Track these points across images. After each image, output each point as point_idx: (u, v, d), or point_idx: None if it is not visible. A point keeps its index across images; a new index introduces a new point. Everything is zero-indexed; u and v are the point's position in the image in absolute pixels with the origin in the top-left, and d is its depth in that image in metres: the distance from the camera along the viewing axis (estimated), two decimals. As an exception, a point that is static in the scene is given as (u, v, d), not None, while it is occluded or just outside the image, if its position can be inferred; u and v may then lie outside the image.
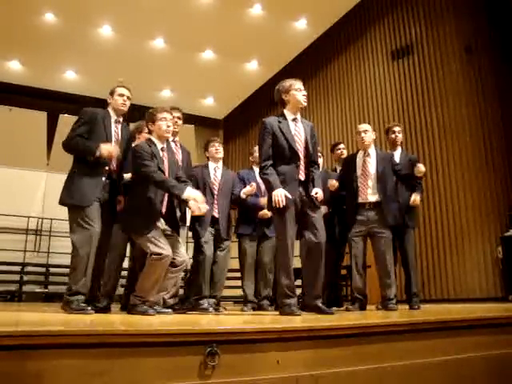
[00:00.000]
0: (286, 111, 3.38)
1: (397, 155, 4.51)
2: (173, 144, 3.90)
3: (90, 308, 3.03)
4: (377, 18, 9.79)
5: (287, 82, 3.37)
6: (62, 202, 3.21)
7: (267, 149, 3.25)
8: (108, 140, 3.28)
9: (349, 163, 4.31)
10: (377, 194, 4.04)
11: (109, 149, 3.17)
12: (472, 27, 8.39)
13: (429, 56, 8.78)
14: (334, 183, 4.33)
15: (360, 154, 4.24)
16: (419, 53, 8.94)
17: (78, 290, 3.03)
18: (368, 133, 4.19)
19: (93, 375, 1.54)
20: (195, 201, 3.11)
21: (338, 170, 4.79)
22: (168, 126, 3.32)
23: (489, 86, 8.09)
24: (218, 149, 4.44)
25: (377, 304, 4.40)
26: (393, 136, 4.59)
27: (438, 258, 7.98)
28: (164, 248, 3.11)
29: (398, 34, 9.38)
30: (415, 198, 4.28)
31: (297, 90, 3.32)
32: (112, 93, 3.46)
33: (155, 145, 3.31)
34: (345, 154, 4.92)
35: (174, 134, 3.95)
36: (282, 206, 3.06)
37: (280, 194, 3.06)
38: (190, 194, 3.11)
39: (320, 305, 3.20)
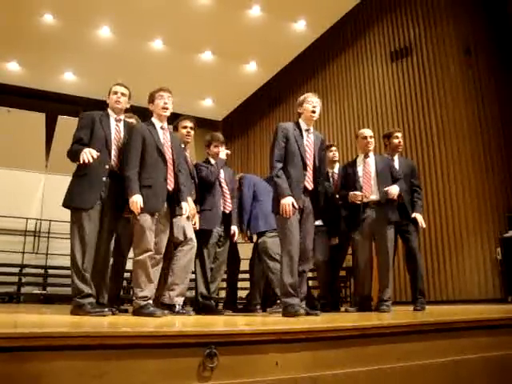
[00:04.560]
0: (300, 121, 3.53)
1: (396, 161, 4.50)
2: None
3: (106, 309, 3.06)
4: (375, 20, 9.80)
5: (302, 96, 3.57)
6: (64, 205, 3.21)
7: (280, 151, 3.36)
8: (107, 140, 3.28)
9: (350, 168, 4.34)
10: (378, 193, 4.08)
11: (88, 154, 3.08)
12: (471, 29, 8.40)
13: (428, 57, 8.79)
14: (358, 194, 4.37)
15: (360, 158, 4.31)
16: (418, 54, 8.95)
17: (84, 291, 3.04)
18: (372, 138, 4.29)
19: (92, 377, 1.54)
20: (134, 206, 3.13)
21: (331, 173, 4.81)
22: (165, 103, 3.42)
23: (487, 87, 8.11)
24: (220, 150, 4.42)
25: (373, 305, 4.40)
26: (396, 141, 4.57)
27: (438, 260, 7.98)
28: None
29: (396, 36, 9.39)
30: (419, 219, 4.28)
31: (308, 102, 3.48)
32: (109, 92, 3.48)
33: (154, 125, 3.41)
34: (337, 156, 4.92)
35: (186, 143, 4.04)
36: (289, 216, 3.16)
37: (288, 204, 3.17)
38: (138, 199, 3.12)
39: (304, 306, 3.23)
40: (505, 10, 8.02)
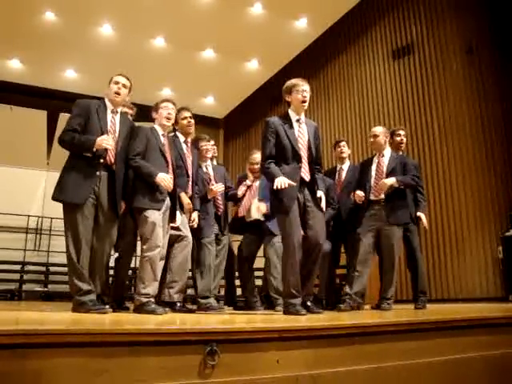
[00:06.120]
0: (290, 111, 3.36)
1: None
2: (184, 145, 4.03)
3: (107, 306, 3.05)
4: (377, 17, 9.77)
5: (290, 82, 3.35)
6: (54, 198, 3.11)
7: (270, 148, 3.24)
8: (103, 132, 3.17)
9: (365, 166, 4.31)
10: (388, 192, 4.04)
11: (103, 140, 3.07)
12: (473, 26, 8.37)
13: (429, 55, 8.76)
14: (361, 195, 4.24)
15: (375, 156, 4.27)
16: (420, 52, 8.93)
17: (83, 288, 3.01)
18: (378, 137, 4.19)
19: (93, 374, 1.54)
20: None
21: (338, 168, 4.80)
22: (169, 114, 3.56)
23: (490, 85, 8.08)
24: (207, 148, 4.43)
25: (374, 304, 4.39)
26: (398, 139, 4.56)
27: (439, 258, 7.97)
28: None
29: (398, 34, 9.36)
30: (423, 219, 4.34)
31: (298, 92, 3.29)
32: (109, 81, 3.42)
33: (157, 131, 3.52)
34: (345, 151, 4.87)
35: (188, 134, 4.12)
36: (284, 186, 3.02)
37: (282, 179, 3.04)
38: (165, 176, 3.28)
39: (309, 304, 3.20)
40: (508, 7, 7.99)
